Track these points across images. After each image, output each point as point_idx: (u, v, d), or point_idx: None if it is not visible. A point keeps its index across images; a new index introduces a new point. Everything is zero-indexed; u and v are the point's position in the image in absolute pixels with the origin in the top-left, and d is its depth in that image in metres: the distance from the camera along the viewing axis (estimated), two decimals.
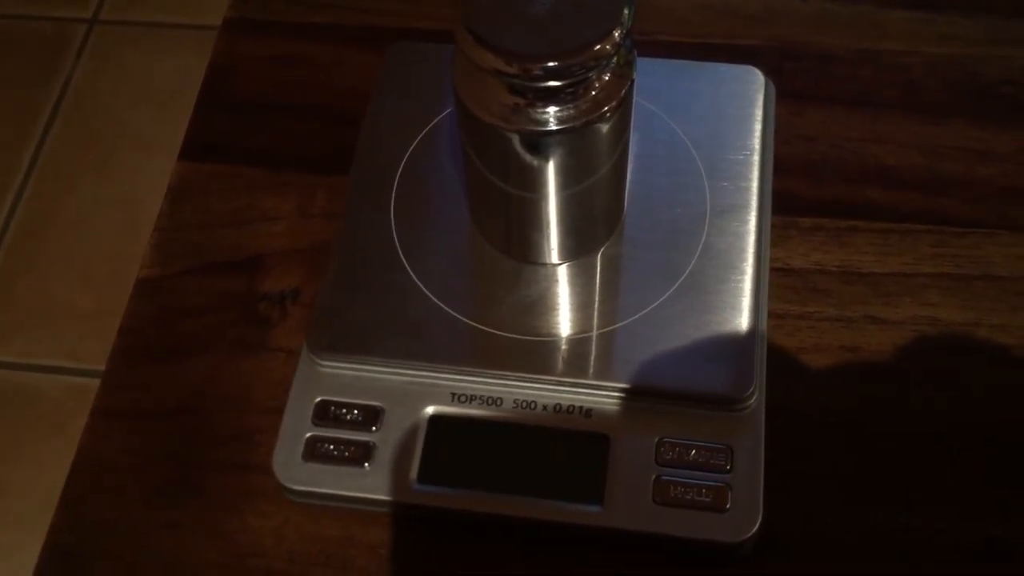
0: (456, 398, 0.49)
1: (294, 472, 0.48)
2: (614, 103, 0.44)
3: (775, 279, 0.53)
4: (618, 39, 0.41)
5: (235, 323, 0.53)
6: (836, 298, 0.53)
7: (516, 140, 0.44)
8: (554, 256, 0.51)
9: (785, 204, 0.55)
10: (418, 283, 0.51)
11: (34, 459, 1.29)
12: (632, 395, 0.48)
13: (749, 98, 0.56)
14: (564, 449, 0.48)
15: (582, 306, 0.51)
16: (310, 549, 0.48)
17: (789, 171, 0.56)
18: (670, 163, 0.54)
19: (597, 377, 0.48)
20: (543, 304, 0.51)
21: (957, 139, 0.57)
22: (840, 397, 0.50)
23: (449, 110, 0.56)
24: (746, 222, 0.52)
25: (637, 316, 0.49)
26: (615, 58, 0.42)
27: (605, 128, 0.44)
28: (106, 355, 0.53)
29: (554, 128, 0.43)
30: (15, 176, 1.51)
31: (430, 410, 0.49)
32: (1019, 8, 0.62)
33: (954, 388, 0.50)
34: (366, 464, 0.48)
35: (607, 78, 0.43)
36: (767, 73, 0.57)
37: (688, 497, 0.46)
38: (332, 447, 0.48)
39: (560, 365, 0.49)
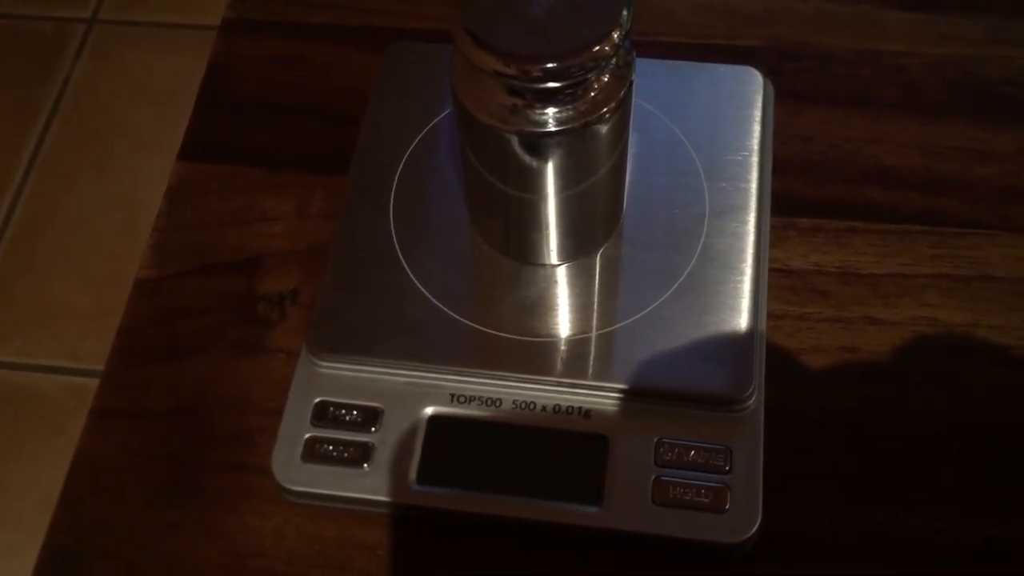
0: (455, 399, 0.49)
1: (293, 473, 0.48)
2: (613, 104, 0.44)
3: (774, 280, 0.53)
4: (617, 40, 0.41)
5: (234, 324, 0.53)
6: (835, 299, 0.53)
7: (515, 141, 0.44)
8: (553, 257, 0.51)
9: (784, 205, 0.55)
10: (417, 284, 0.51)
11: (33, 459, 1.29)
12: (631, 396, 0.48)
13: (748, 99, 0.56)
14: (563, 450, 0.48)
15: (581, 307, 0.51)
16: (309, 550, 0.48)
17: (788, 172, 0.56)
18: (669, 164, 0.54)
19: (596, 378, 0.48)
20: (542, 305, 0.51)
21: (956, 139, 0.57)
22: (839, 397, 0.50)
23: (448, 111, 0.56)
24: (745, 223, 0.52)
25: (636, 317, 0.49)
26: (614, 59, 0.42)
27: (604, 129, 0.44)
28: (105, 355, 0.53)
29: (553, 129, 0.43)
30: (14, 176, 1.51)
31: (429, 411, 0.49)
32: (1018, 8, 0.62)
33: (953, 388, 0.50)
34: (365, 465, 0.48)
35: (606, 79, 0.43)
36: (766, 74, 0.57)
37: (687, 498, 0.46)
38: (331, 448, 0.48)
39: (559, 366, 0.49)
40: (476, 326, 0.50)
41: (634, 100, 0.46)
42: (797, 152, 0.57)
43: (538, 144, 0.44)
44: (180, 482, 0.50)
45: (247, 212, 0.57)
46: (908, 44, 0.61)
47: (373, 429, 0.48)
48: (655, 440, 0.47)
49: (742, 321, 0.49)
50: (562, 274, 0.52)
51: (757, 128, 0.55)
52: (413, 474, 0.47)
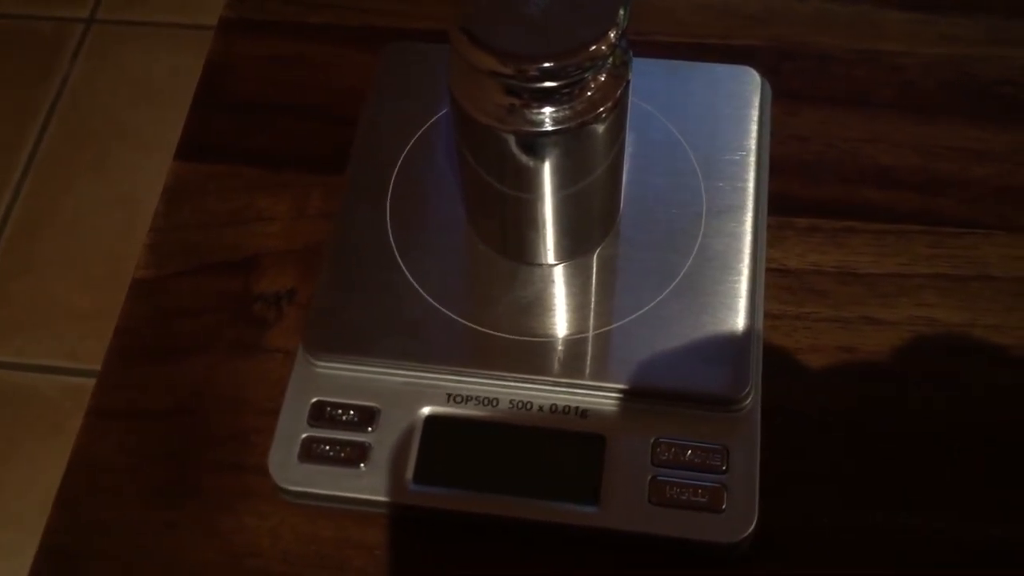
0: (452, 399, 0.49)
1: (290, 473, 0.48)
2: (610, 104, 0.44)
3: (771, 280, 0.53)
4: (614, 39, 0.41)
5: (231, 324, 0.53)
6: (832, 299, 0.52)
7: (512, 141, 0.44)
8: (550, 257, 0.51)
9: (781, 204, 0.55)
10: (414, 283, 0.51)
11: (31, 459, 1.28)
12: (628, 396, 0.48)
13: (745, 98, 0.56)
14: (560, 450, 0.48)
15: (578, 307, 0.51)
16: (306, 550, 0.48)
17: (785, 171, 0.56)
18: (666, 163, 0.54)
19: (593, 378, 0.48)
20: (539, 305, 0.51)
21: (954, 139, 0.57)
22: (837, 397, 0.50)
23: (445, 110, 0.56)
24: (742, 223, 0.52)
25: (633, 317, 0.49)
26: (611, 59, 0.42)
27: (601, 129, 0.44)
28: (103, 355, 0.53)
29: (550, 129, 0.43)
30: (12, 175, 1.51)
31: (426, 411, 0.49)
32: (1016, 8, 0.62)
33: (952, 388, 0.50)
34: (362, 465, 0.48)
35: (603, 79, 0.43)
36: (763, 73, 0.57)
37: (684, 497, 0.46)
38: (328, 448, 0.48)
39: (556, 366, 0.49)
40: (473, 326, 0.50)
41: (631, 100, 0.46)
42: (794, 152, 0.57)
43: (535, 144, 0.44)
44: (177, 482, 0.50)
45: (244, 212, 0.57)
46: (906, 44, 0.61)
47: (370, 429, 0.48)
48: (652, 440, 0.47)
49: (739, 321, 0.49)
50: (559, 274, 0.52)
51: (754, 128, 0.55)
52: (410, 474, 0.47)
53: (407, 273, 0.51)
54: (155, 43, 1.62)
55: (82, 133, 1.55)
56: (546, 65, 0.41)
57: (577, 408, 0.48)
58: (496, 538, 0.47)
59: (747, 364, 0.48)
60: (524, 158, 0.45)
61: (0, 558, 1.20)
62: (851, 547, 0.47)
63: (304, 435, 0.48)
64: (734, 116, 0.55)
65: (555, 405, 0.48)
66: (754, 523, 0.46)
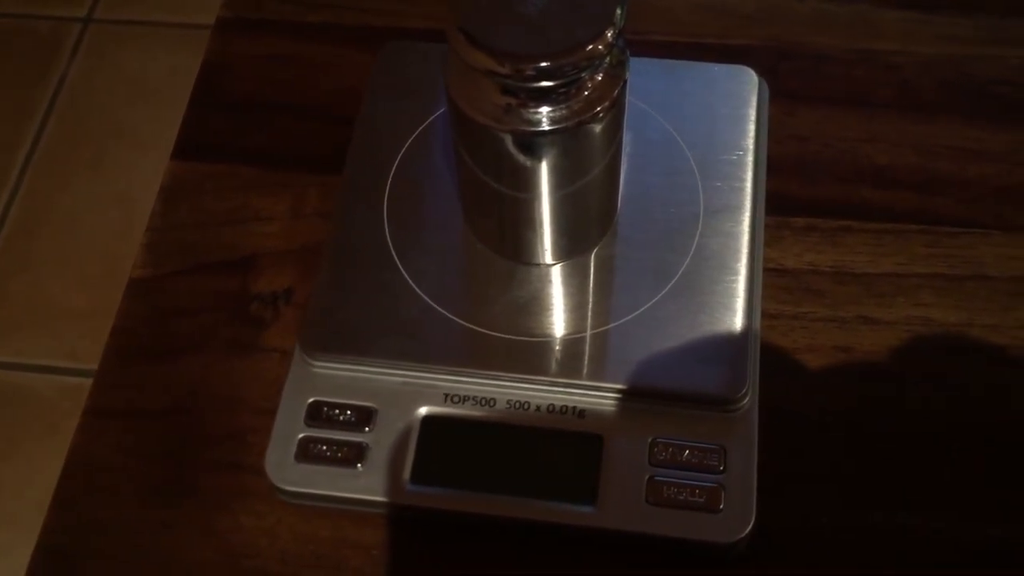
0: (449, 398, 0.49)
1: (287, 473, 0.48)
2: (607, 103, 0.44)
3: (768, 279, 0.53)
4: (611, 39, 0.41)
5: (228, 323, 0.53)
6: (830, 298, 0.52)
7: (509, 140, 0.44)
8: (547, 256, 0.51)
9: (778, 204, 0.55)
10: (411, 283, 0.51)
11: (28, 458, 1.28)
12: (626, 395, 0.48)
13: (743, 98, 0.56)
14: (557, 450, 0.48)
15: (575, 306, 0.51)
16: (303, 550, 0.48)
17: (783, 171, 0.56)
18: (663, 163, 0.54)
19: (591, 377, 0.48)
20: (536, 304, 0.51)
21: (951, 139, 0.57)
22: (835, 397, 0.50)
23: (443, 110, 0.56)
24: (740, 222, 0.52)
25: (630, 316, 0.49)
26: (608, 58, 0.42)
27: (598, 128, 0.44)
28: (100, 354, 0.53)
29: (547, 128, 0.43)
30: (10, 174, 1.51)
31: (423, 411, 0.49)
32: (1013, 8, 0.62)
33: (950, 388, 0.50)
34: (359, 465, 0.48)
35: (600, 78, 0.43)
36: (761, 73, 0.57)
37: (681, 497, 0.46)
38: (325, 448, 0.48)
39: (553, 365, 0.49)
40: (470, 325, 0.50)
41: (628, 99, 0.46)
42: (792, 151, 0.57)
43: (532, 143, 0.44)
44: (174, 481, 0.50)
45: (241, 211, 0.57)
46: (903, 43, 0.61)
47: (367, 429, 0.48)
48: (649, 440, 0.47)
49: (736, 321, 0.49)
50: (556, 273, 0.52)
51: (752, 127, 0.55)
52: (407, 474, 0.47)
53: (404, 273, 0.51)
54: (153, 42, 1.62)
55: (80, 132, 1.55)
56: (543, 65, 0.41)
57: (575, 408, 0.48)
58: (493, 538, 0.47)
59: (744, 364, 0.48)
60: (521, 158, 0.45)
61: None
62: (850, 547, 0.47)
63: (301, 435, 0.48)
64: (731, 116, 0.55)
65: (552, 405, 0.48)
66: (751, 523, 0.45)
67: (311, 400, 0.49)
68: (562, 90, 0.42)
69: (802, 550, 0.47)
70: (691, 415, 0.48)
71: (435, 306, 0.50)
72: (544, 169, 0.45)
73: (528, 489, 0.47)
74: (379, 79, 0.58)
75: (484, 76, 0.42)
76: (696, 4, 0.63)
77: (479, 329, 0.50)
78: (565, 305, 0.51)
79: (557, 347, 0.49)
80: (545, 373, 0.48)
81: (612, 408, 0.48)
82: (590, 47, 0.41)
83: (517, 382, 0.49)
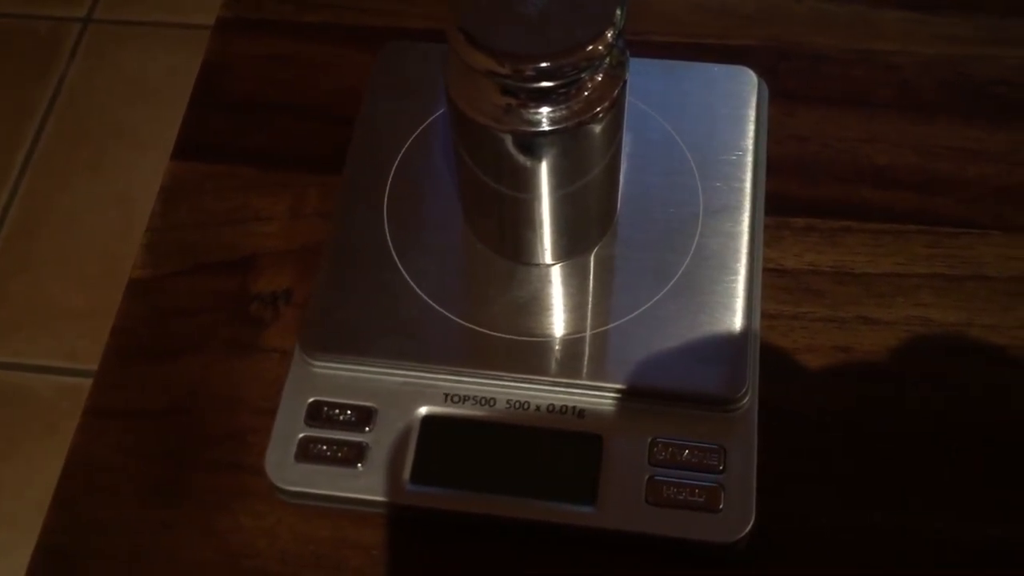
0: (449, 398, 0.49)
1: (287, 473, 0.48)
2: (607, 103, 0.44)
3: (768, 279, 0.53)
4: (611, 39, 0.41)
5: (228, 323, 0.53)
6: (829, 298, 0.53)
7: (509, 141, 0.44)
8: (547, 256, 0.51)
9: (778, 204, 0.55)
10: (411, 283, 0.51)
11: (28, 459, 1.28)
12: (625, 395, 0.48)
13: (742, 98, 0.56)
14: (557, 449, 0.48)
15: (575, 306, 0.51)
16: (303, 550, 0.48)
17: (782, 171, 0.56)
18: (663, 163, 0.54)
19: (590, 377, 0.48)
20: (536, 304, 0.51)
21: (950, 139, 0.57)
22: (834, 397, 0.50)
23: (443, 110, 0.56)
24: (739, 222, 0.52)
25: (630, 316, 0.49)
26: (608, 58, 0.42)
27: (598, 129, 0.44)
28: (100, 355, 0.53)
29: (547, 129, 0.43)
30: (9, 174, 1.51)
31: (423, 410, 0.49)
32: (1012, 8, 0.62)
33: (949, 388, 0.50)
34: (359, 465, 0.48)
35: (600, 78, 0.43)
36: (761, 73, 0.57)
37: (681, 497, 0.46)
38: (325, 448, 0.48)
39: (553, 365, 0.49)
40: (470, 325, 0.50)
41: (628, 99, 0.46)
42: (791, 152, 0.57)
43: (532, 144, 0.44)
44: (174, 481, 0.50)
45: (241, 211, 0.57)
46: (902, 44, 0.61)
47: (367, 429, 0.48)
48: (649, 440, 0.47)
49: (736, 321, 0.49)
50: (556, 273, 0.52)
51: (751, 128, 0.55)
52: (407, 474, 0.47)
53: (404, 273, 0.51)
54: (152, 43, 1.62)
55: (79, 132, 1.55)
56: (543, 65, 0.41)
57: (574, 408, 0.48)
58: (493, 538, 0.47)
59: (744, 364, 0.48)
60: (521, 158, 0.45)
61: None
62: (849, 547, 0.47)
63: (301, 435, 0.48)
64: (731, 116, 0.55)
65: (552, 405, 0.48)
66: (751, 523, 0.46)
67: (311, 400, 0.49)
68: (562, 90, 0.42)
69: (802, 550, 0.47)
70: (691, 415, 0.48)
71: (435, 306, 0.50)
72: (544, 169, 0.45)
73: (528, 489, 0.47)
74: (379, 79, 0.58)
75: (484, 76, 0.42)
76: (695, 4, 0.63)
77: (479, 329, 0.50)
78: (565, 305, 0.51)
79: (557, 347, 0.49)
80: (545, 373, 0.48)
81: (612, 408, 0.48)
82: (590, 47, 0.41)
83: (517, 382, 0.49)
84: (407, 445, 0.48)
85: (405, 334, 0.50)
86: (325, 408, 0.49)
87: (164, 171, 0.58)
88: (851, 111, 0.58)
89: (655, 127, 0.55)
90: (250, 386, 0.51)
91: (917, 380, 0.50)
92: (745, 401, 0.48)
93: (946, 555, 0.46)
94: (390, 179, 0.54)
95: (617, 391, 0.48)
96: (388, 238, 0.52)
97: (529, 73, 0.41)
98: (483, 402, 0.49)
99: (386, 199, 0.53)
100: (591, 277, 0.52)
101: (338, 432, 0.48)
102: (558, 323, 0.50)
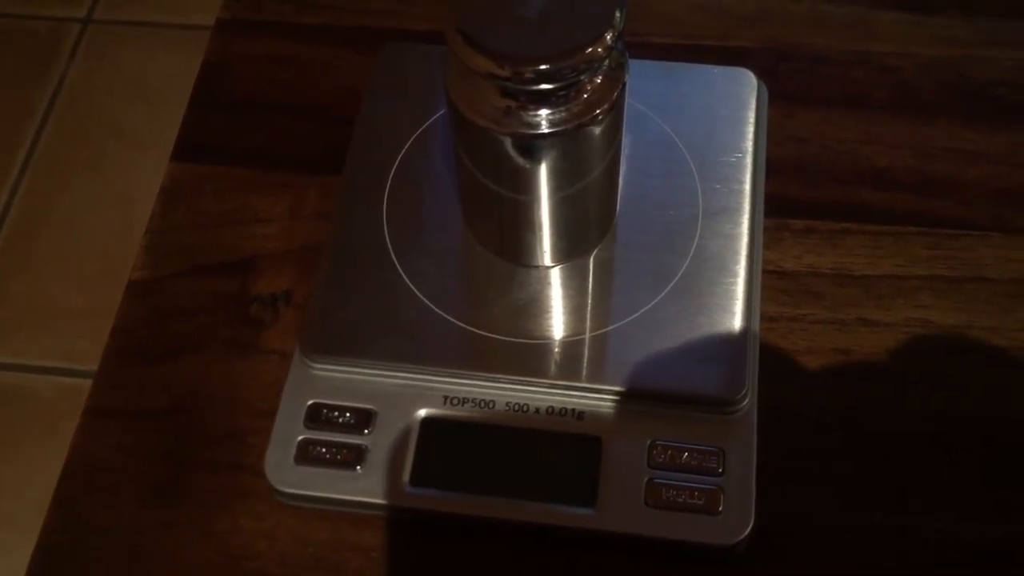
0: (448, 401, 0.49)
1: (286, 475, 0.48)
2: (606, 105, 0.44)
3: (768, 281, 0.53)
4: (610, 41, 0.41)
5: (227, 324, 0.53)
6: (829, 300, 0.53)
7: (508, 143, 0.44)
8: (547, 258, 0.51)
9: (778, 206, 0.55)
10: (410, 285, 0.51)
11: (28, 459, 1.28)
12: (625, 397, 0.48)
13: (742, 100, 0.56)
14: (557, 452, 0.48)
15: (575, 308, 0.51)
16: (302, 552, 0.48)
17: (782, 173, 0.56)
18: (662, 165, 0.54)
19: (590, 380, 0.48)
20: (536, 306, 0.51)
21: (950, 140, 0.57)
22: (834, 399, 0.50)
23: (442, 111, 0.56)
24: (739, 224, 0.52)
25: (630, 318, 0.49)
26: (607, 60, 0.42)
27: (597, 131, 0.44)
28: (99, 355, 0.53)
29: (546, 131, 0.43)
30: (9, 175, 1.51)
31: (422, 413, 0.49)
32: (1011, 9, 0.62)
33: (949, 389, 0.50)
34: (358, 467, 0.48)
35: (599, 80, 0.43)
36: (760, 75, 0.57)
37: (680, 499, 0.46)
38: (324, 450, 0.48)
39: (553, 368, 0.49)
40: (469, 328, 0.50)
41: (627, 101, 0.46)
42: (791, 153, 0.57)
43: (531, 146, 0.44)
44: (174, 482, 0.50)
45: (241, 212, 0.57)
46: (901, 45, 0.61)
47: (366, 431, 0.48)
48: (648, 442, 0.47)
49: (736, 323, 0.49)
50: (556, 276, 0.52)
51: (751, 129, 0.55)
52: (406, 476, 0.47)
53: (403, 275, 0.51)
54: (152, 43, 1.62)
55: (79, 133, 1.55)
56: (542, 67, 0.41)
57: (574, 410, 0.48)
58: (493, 540, 0.47)
59: (743, 366, 0.48)
60: (520, 160, 0.45)
61: None
62: (849, 548, 0.47)
63: (300, 437, 0.48)
64: (730, 118, 0.55)
65: (552, 407, 0.48)
66: (751, 525, 0.46)
67: (311, 402, 0.49)
68: (561, 93, 0.42)
69: (802, 551, 0.47)
70: (690, 417, 0.48)
71: (434, 308, 0.50)
72: (543, 171, 0.45)
73: (527, 491, 0.47)
74: (379, 80, 0.58)
75: (483, 79, 0.42)
76: (695, 5, 0.63)
77: (478, 331, 0.50)
78: (564, 307, 0.51)
79: (556, 349, 0.49)
80: (544, 375, 0.48)
81: (611, 410, 0.48)
82: (589, 50, 0.41)
83: (516, 384, 0.49)
84: (406, 447, 0.48)
85: (404, 336, 0.50)
86: (324, 410, 0.49)
87: (164, 172, 0.58)
88: (851, 113, 0.58)
89: (654, 129, 0.55)
90: (250, 387, 0.51)
91: (917, 381, 0.50)
92: (745, 403, 0.48)
93: (946, 555, 0.46)
94: (390, 180, 0.54)
95: (616, 393, 0.48)
96: (388, 239, 0.52)
97: (528, 75, 0.41)
98: (482, 404, 0.49)
99: (386, 200, 0.53)
100: (590, 279, 0.52)
101: (337, 434, 0.48)
102: (557, 325, 0.50)
